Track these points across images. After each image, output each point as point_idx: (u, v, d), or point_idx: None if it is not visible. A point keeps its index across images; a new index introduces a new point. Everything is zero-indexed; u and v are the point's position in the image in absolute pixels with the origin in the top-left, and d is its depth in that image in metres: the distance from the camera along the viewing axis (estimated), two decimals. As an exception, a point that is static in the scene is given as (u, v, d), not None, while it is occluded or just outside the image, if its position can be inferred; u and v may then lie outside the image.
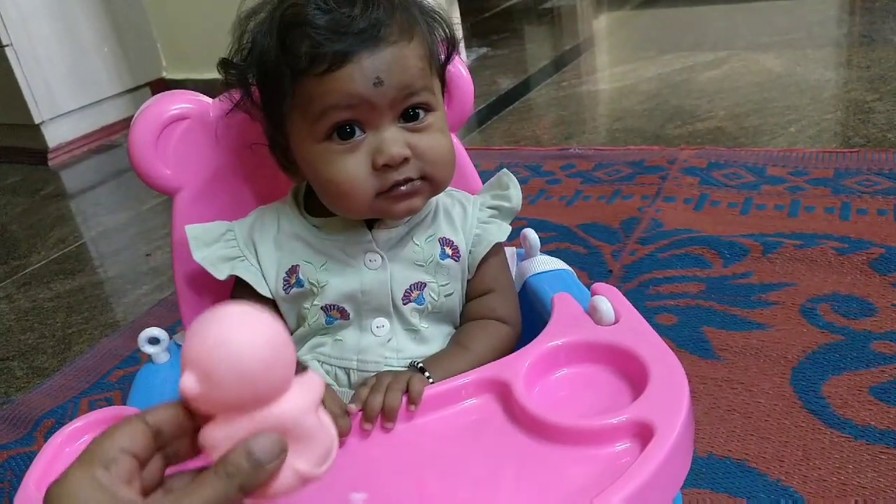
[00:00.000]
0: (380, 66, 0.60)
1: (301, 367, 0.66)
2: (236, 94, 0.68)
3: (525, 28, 3.43)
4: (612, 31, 3.14)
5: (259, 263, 0.68)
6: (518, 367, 0.59)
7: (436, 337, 0.69)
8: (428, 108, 0.64)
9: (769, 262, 1.21)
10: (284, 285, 0.68)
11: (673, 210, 1.44)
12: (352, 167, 0.62)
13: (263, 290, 0.68)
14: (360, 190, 0.63)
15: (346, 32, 0.59)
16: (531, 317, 0.72)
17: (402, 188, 0.63)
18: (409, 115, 0.63)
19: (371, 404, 0.57)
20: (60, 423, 0.89)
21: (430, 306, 0.68)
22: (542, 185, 1.66)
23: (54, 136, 2.49)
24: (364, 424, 0.57)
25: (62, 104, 2.47)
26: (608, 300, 0.63)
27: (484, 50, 3.01)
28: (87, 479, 0.37)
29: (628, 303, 0.65)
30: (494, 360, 0.62)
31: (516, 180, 0.75)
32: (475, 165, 0.82)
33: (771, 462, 0.83)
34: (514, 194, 0.73)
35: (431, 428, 0.58)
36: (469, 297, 0.72)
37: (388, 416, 0.57)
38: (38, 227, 1.97)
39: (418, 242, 0.68)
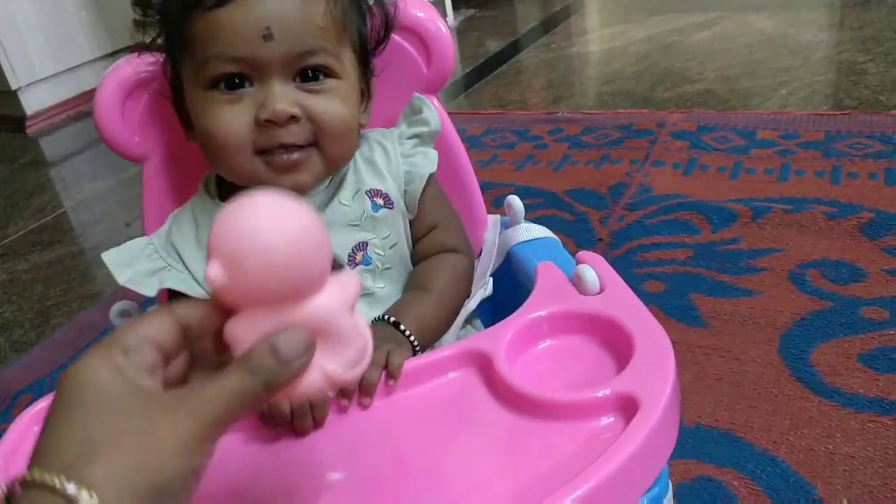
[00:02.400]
0: (270, 14, 0.56)
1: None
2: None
3: (513, -11, 3.36)
4: (602, -8, 3.09)
5: (186, 268, 0.64)
6: (500, 340, 0.57)
7: (391, 295, 0.66)
8: (329, 73, 0.59)
9: (758, 228, 1.19)
10: None
11: (661, 175, 1.42)
12: (230, 117, 0.58)
13: (198, 292, 0.64)
14: (236, 142, 0.58)
15: None
16: (514, 287, 0.70)
17: (286, 157, 0.59)
18: (307, 76, 0.59)
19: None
20: (38, 398, 0.87)
21: (378, 264, 0.65)
22: (530, 150, 1.63)
23: (32, 102, 2.44)
24: (341, 400, 0.55)
25: (39, 69, 2.41)
26: (593, 269, 0.61)
27: (472, 11, 2.96)
28: (104, 363, 0.34)
29: (614, 271, 0.63)
30: (458, 294, 0.61)
31: (428, 101, 0.71)
32: (461, 131, 0.79)
33: (759, 431, 0.82)
34: (431, 116, 0.69)
35: (411, 403, 0.56)
36: (415, 237, 0.68)
37: (364, 391, 0.55)
38: (15, 197, 1.93)
39: (345, 202, 0.64)
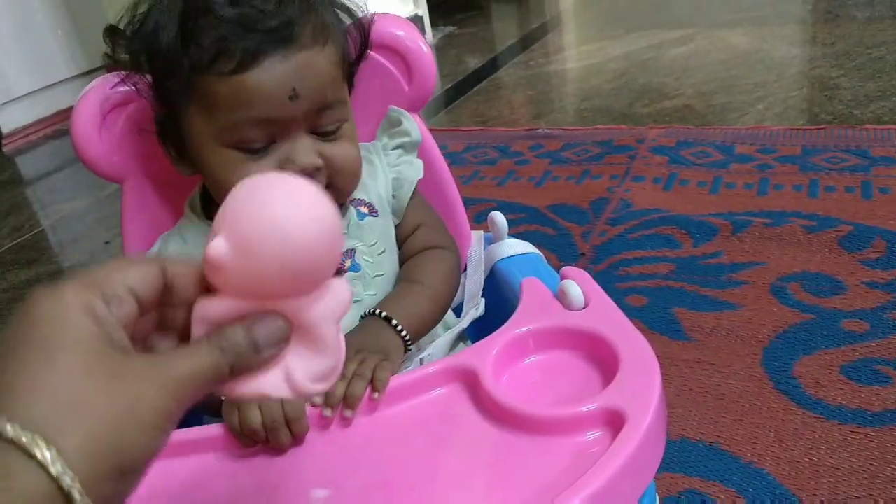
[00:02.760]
0: (294, 75, 0.56)
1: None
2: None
3: (492, 6, 3.39)
4: (579, 9, 3.12)
5: None
6: (486, 355, 0.57)
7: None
8: (341, 120, 0.61)
9: (739, 241, 1.20)
10: None
11: (642, 190, 1.43)
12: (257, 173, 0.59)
13: None
14: None
15: (256, 29, 0.55)
16: (499, 302, 0.70)
17: None
18: (325, 128, 0.60)
19: (332, 392, 0.54)
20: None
21: (368, 271, 0.65)
22: (511, 166, 1.63)
23: (8, 120, 2.41)
24: (324, 411, 0.54)
25: (15, 88, 2.39)
26: (577, 284, 0.61)
27: (450, 29, 2.98)
28: (85, 307, 0.31)
29: (598, 286, 0.63)
30: (448, 288, 0.63)
31: (406, 112, 0.72)
32: (442, 148, 0.79)
33: (743, 444, 0.82)
34: (410, 126, 0.71)
35: (397, 419, 0.55)
36: (401, 239, 0.70)
37: (348, 403, 0.54)
38: (-9, 216, 1.91)
39: None
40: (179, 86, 0.58)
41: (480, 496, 0.49)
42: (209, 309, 0.34)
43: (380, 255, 0.66)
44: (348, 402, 0.54)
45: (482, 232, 0.83)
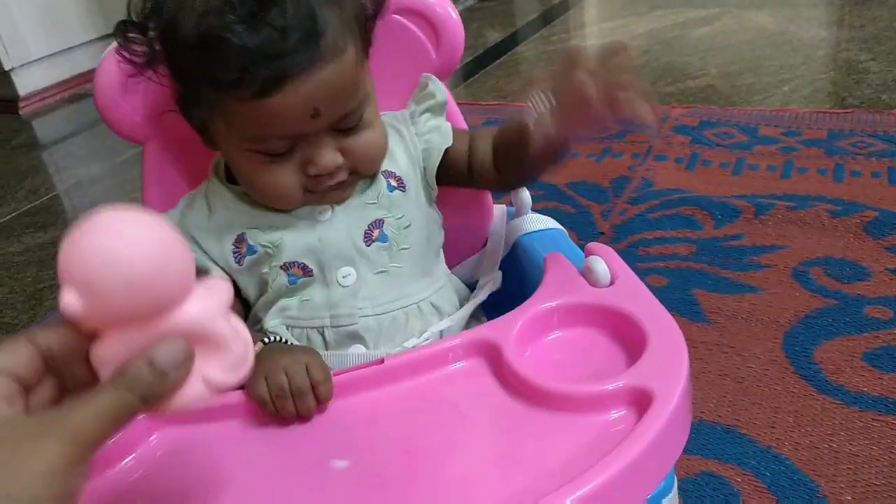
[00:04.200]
0: (317, 95, 0.55)
1: (203, 271, 0.62)
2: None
3: (513, -19, 3.34)
4: (603, -15, 3.07)
5: (200, 247, 0.64)
6: (509, 330, 0.56)
7: (409, 276, 0.65)
8: (362, 113, 0.60)
9: (761, 224, 1.19)
10: (236, 257, 0.63)
11: (664, 169, 1.41)
12: (280, 177, 0.59)
13: (213, 270, 0.63)
14: (289, 195, 0.61)
15: (278, 55, 0.53)
16: (522, 277, 0.69)
17: (330, 186, 0.61)
18: (346, 127, 0.59)
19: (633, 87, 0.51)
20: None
21: (395, 243, 0.64)
22: (530, 142, 1.61)
23: (25, 83, 2.41)
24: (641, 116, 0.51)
25: (33, 50, 2.38)
26: (603, 260, 0.60)
27: (471, 2, 2.94)
28: None
29: (624, 263, 0.62)
30: None
31: (432, 75, 0.71)
32: (461, 120, 0.77)
33: (762, 428, 0.81)
34: (435, 87, 0.70)
35: (418, 391, 0.55)
36: (463, 161, 0.68)
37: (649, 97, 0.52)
38: (8, 179, 1.91)
39: (362, 182, 0.64)
40: (198, 96, 0.57)
41: (501, 471, 0.48)
42: (102, 351, 0.36)
43: (406, 228, 0.65)
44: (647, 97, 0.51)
45: (505, 206, 0.81)
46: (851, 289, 1.02)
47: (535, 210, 0.79)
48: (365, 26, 0.60)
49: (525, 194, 0.77)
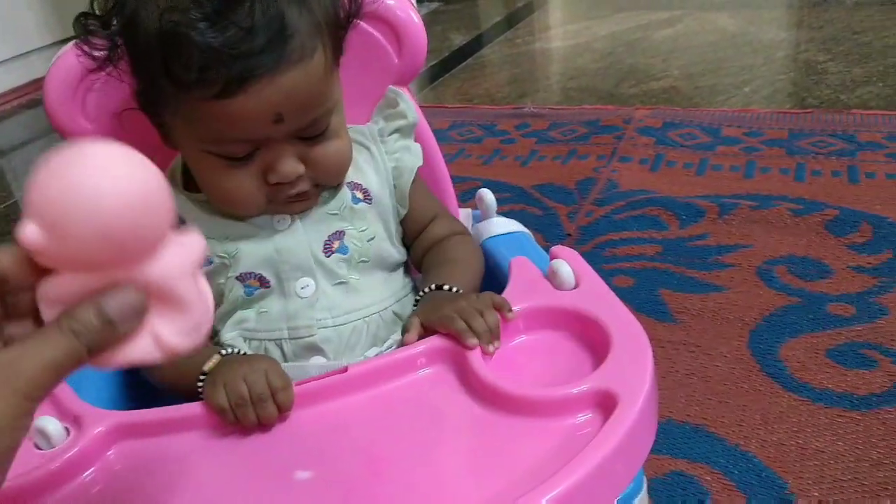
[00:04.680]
0: (281, 99, 0.53)
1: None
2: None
3: (478, -16, 3.34)
4: (566, -12, 3.09)
5: None
6: (474, 335, 0.56)
7: (368, 285, 0.63)
8: (328, 120, 0.58)
9: (725, 224, 1.20)
10: None
11: (629, 170, 1.42)
12: (239, 182, 0.57)
13: None
14: (248, 201, 0.59)
15: (242, 55, 0.51)
16: (487, 281, 0.68)
17: (292, 196, 0.60)
18: (309, 135, 0.58)
19: (479, 327, 0.54)
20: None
21: (355, 255, 0.63)
22: (497, 145, 1.62)
23: (-20, 89, 2.35)
24: (488, 349, 0.54)
25: (-12, 56, 2.33)
26: (567, 264, 0.60)
27: (435, 4, 2.94)
28: None
29: (589, 266, 0.62)
30: (481, 267, 0.66)
31: (404, 93, 0.70)
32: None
33: (730, 427, 0.82)
34: (407, 108, 0.69)
35: (383, 400, 0.54)
36: (414, 230, 0.68)
37: (496, 335, 0.55)
38: (-37, 187, 1.86)
39: (325, 192, 0.63)
40: (159, 94, 0.55)
41: (468, 478, 0.48)
42: (52, 289, 0.33)
43: (368, 241, 0.64)
44: (494, 332, 0.55)
45: (470, 210, 0.81)
46: (814, 286, 1.03)
47: (501, 213, 0.78)
48: (336, 33, 0.59)
49: (489, 197, 0.77)
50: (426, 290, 0.62)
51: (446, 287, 0.61)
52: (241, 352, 0.59)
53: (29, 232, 0.31)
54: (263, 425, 0.51)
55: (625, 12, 2.49)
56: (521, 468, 0.47)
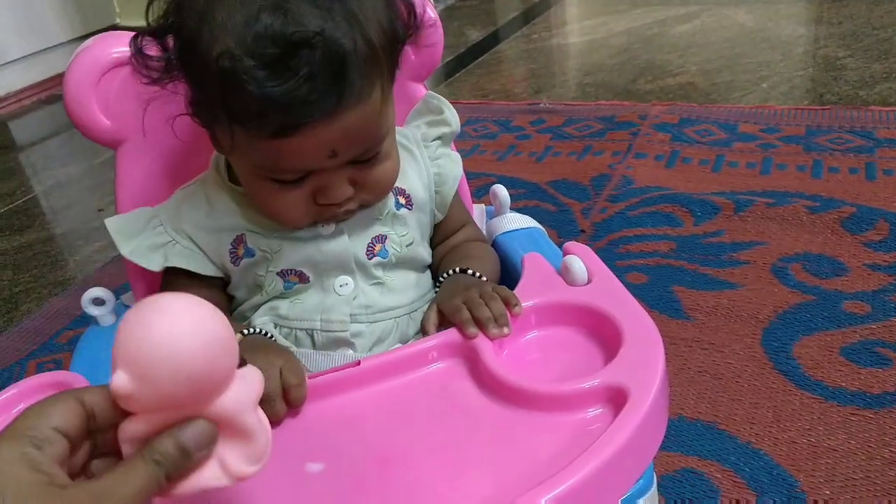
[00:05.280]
0: (336, 138, 0.53)
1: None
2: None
3: (494, -21, 3.34)
4: (583, -17, 3.07)
5: (195, 244, 0.63)
6: (486, 330, 0.56)
7: (402, 286, 0.65)
8: (380, 145, 0.58)
9: (740, 221, 1.19)
10: (232, 258, 0.63)
11: (644, 167, 1.41)
12: (289, 202, 0.58)
13: (205, 269, 0.63)
14: (296, 219, 0.60)
15: (300, 102, 0.50)
16: (500, 277, 0.69)
17: (340, 214, 0.61)
18: (363, 160, 0.58)
19: (482, 315, 0.55)
20: (6, 387, 0.85)
21: (393, 258, 0.64)
22: (512, 141, 1.62)
23: (1, 84, 2.38)
24: (500, 333, 0.55)
25: (9, 51, 2.35)
26: (580, 260, 0.60)
27: (452, 0, 2.93)
28: (18, 457, 0.34)
29: (601, 262, 0.62)
30: (497, 268, 0.67)
31: (446, 101, 0.71)
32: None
33: (741, 424, 0.82)
34: (451, 116, 0.70)
35: (395, 393, 0.54)
36: (444, 234, 0.70)
37: (500, 322, 0.55)
38: (-16, 181, 1.89)
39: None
40: (214, 118, 0.56)
41: (479, 472, 0.48)
42: (132, 430, 0.37)
43: (408, 246, 0.66)
44: (499, 320, 0.55)
45: (484, 205, 0.81)
46: (829, 284, 1.02)
47: (517, 208, 0.79)
48: (394, 55, 0.57)
49: (503, 193, 0.77)
50: (449, 272, 0.63)
51: (470, 271, 0.63)
52: (268, 334, 0.60)
53: (121, 381, 0.35)
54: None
55: (641, 8, 2.48)
56: (531, 462, 0.47)
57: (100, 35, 0.68)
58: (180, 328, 0.35)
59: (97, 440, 0.38)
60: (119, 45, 0.65)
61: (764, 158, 1.39)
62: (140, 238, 0.63)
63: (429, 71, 0.74)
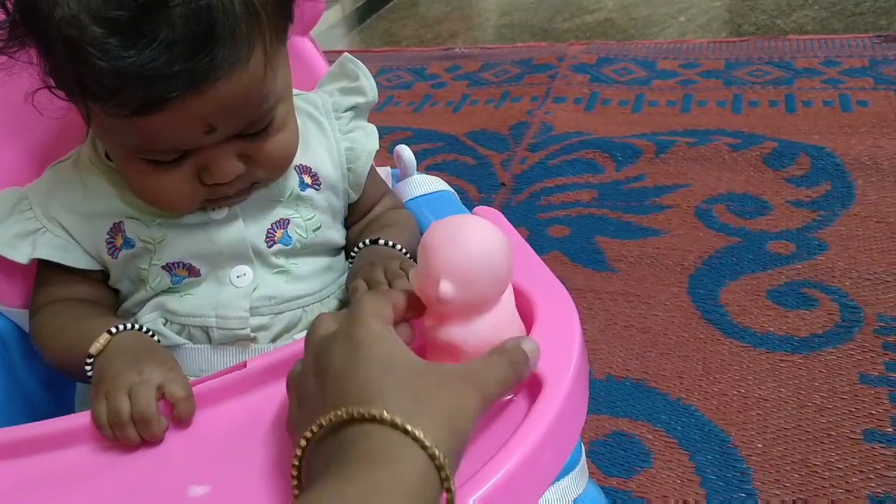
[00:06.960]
0: (210, 111, 0.45)
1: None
2: None
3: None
4: (496, -81, 2.97)
5: (68, 233, 0.55)
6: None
7: (310, 272, 0.58)
8: (272, 114, 0.50)
9: (663, 163, 1.16)
10: (110, 249, 0.54)
11: (563, 111, 1.37)
12: (169, 184, 0.50)
13: (78, 262, 0.55)
14: (179, 204, 0.52)
15: (160, 75, 0.42)
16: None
17: (228, 195, 0.53)
18: (251, 132, 0.50)
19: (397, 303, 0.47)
20: None
21: (298, 244, 0.57)
22: (428, 90, 1.55)
23: None
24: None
25: None
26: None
27: (361, -57, 2.80)
28: (393, 337, 0.39)
29: (512, 228, 0.57)
30: (418, 236, 0.58)
31: (364, 67, 0.63)
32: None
33: (671, 380, 0.79)
34: (368, 84, 0.62)
35: (286, 395, 0.49)
36: (361, 211, 0.63)
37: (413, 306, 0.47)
38: None
39: None
40: (71, 93, 0.47)
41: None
42: (457, 333, 0.42)
43: (315, 230, 0.58)
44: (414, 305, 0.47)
45: (389, 168, 0.75)
46: (754, 224, 1.00)
47: (435, 164, 0.73)
48: (281, 7, 0.49)
49: (408, 154, 0.71)
50: (360, 244, 0.57)
51: (382, 241, 0.56)
52: (149, 332, 0.52)
53: (447, 289, 0.41)
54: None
55: (557, -58, 2.40)
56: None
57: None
58: (490, 242, 0.42)
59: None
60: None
61: (684, 95, 1.35)
62: (7, 224, 0.55)
63: (313, 22, 0.66)
